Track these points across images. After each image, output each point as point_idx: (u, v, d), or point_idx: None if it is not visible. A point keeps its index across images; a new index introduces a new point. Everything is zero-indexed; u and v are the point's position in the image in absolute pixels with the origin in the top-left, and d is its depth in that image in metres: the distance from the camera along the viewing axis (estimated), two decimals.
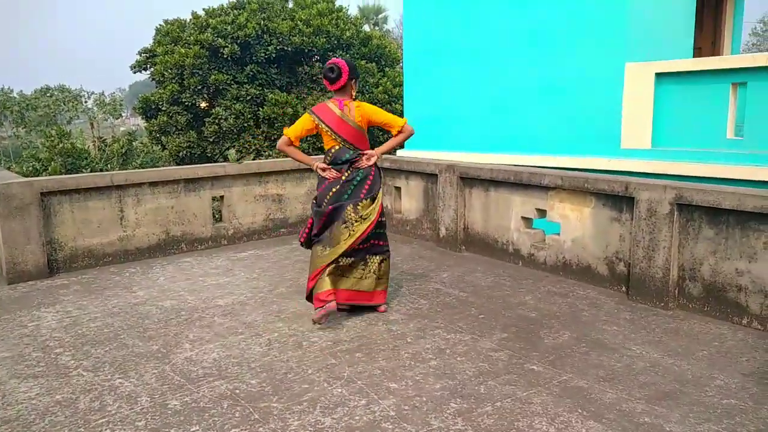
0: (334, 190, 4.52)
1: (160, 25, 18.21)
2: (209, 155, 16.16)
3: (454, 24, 9.26)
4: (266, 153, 15.19)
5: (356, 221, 4.45)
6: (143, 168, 17.10)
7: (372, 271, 4.63)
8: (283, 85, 16.44)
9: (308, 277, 4.58)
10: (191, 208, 6.85)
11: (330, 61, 4.57)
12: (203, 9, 17.43)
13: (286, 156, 4.77)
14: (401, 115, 16.77)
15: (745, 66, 6.52)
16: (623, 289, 5.07)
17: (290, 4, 18.17)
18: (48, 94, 29.36)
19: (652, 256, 4.72)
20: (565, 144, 7.76)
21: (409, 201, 7.29)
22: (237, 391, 3.51)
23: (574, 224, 5.38)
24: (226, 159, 15.28)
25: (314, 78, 16.36)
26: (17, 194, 5.73)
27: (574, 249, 5.42)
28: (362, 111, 4.56)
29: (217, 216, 7.45)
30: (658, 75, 6.94)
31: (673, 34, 7.85)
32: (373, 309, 4.75)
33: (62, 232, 6.08)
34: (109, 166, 16.61)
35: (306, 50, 16.25)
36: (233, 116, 15.40)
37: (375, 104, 16.67)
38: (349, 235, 4.44)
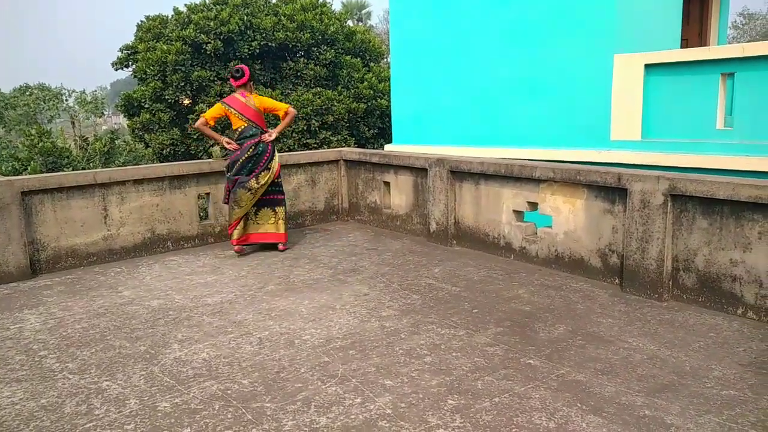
0: (241, 160, 6.15)
1: (141, 21, 17.96)
2: (193, 152, 15.97)
3: (440, 17, 9.20)
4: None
5: (257, 188, 6.19)
6: (126, 164, 16.90)
7: (280, 218, 6.45)
8: (267, 81, 16.28)
9: (229, 226, 6.42)
10: (177, 206, 6.73)
11: (237, 66, 6.27)
12: (185, 5, 17.21)
13: (203, 134, 7.10)
14: (389, 110, 16.69)
15: (734, 56, 6.51)
16: (617, 281, 5.03)
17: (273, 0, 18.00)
18: (27, 93, 28.90)
19: (645, 247, 4.69)
20: (555, 137, 7.72)
21: (398, 196, 7.22)
22: (229, 392, 3.42)
23: (567, 217, 5.33)
24: (210, 156, 15.12)
25: (299, 74, 16.22)
26: None
27: (566, 242, 5.38)
28: (259, 99, 6.34)
29: (203, 214, 7.33)
30: (648, 66, 6.92)
31: (661, 25, 7.83)
32: (275, 247, 6.52)
33: (44, 232, 5.94)
34: (91, 165, 16.36)
35: (290, 45, 16.09)
36: None
37: (361, 99, 16.59)
38: (253, 196, 6.21)
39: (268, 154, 6.24)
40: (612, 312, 4.47)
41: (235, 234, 6.34)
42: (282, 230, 6.47)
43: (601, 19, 7.26)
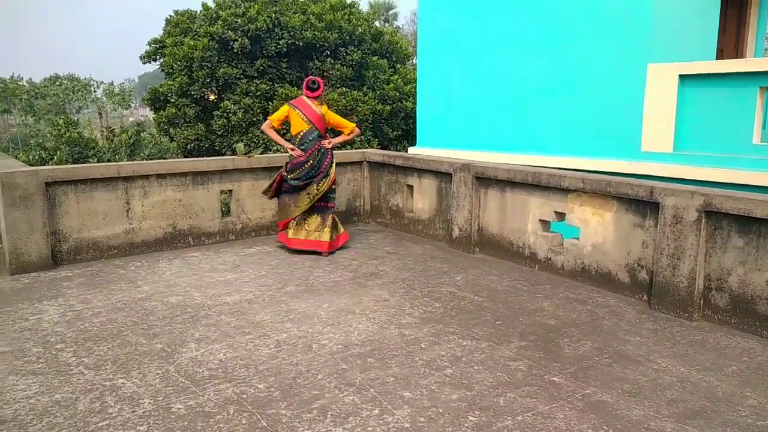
0: (302, 168, 6.18)
1: (170, 15, 18.05)
2: (217, 148, 15.99)
3: (468, 21, 9.07)
4: (274, 147, 15.02)
5: (316, 194, 6.24)
6: (151, 159, 16.98)
7: (327, 225, 6.31)
8: (293, 80, 16.24)
9: (280, 220, 6.49)
10: (199, 202, 6.70)
11: (312, 78, 6.30)
12: (213, 1, 17.24)
13: (270, 138, 7.04)
14: (413, 112, 16.59)
15: None
16: (645, 297, 4.89)
17: None
18: (57, 83, 29.29)
19: (676, 264, 4.54)
20: (583, 145, 7.55)
21: (421, 200, 7.12)
22: (244, 396, 3.35)
23: (595, 229, 5.19)
24: (234, 152, 15.14)
25: (324, 73, 16.18)
26: (21, 183, 5.58)
27: (593, 254, 5.24)
28: (325, 110, 6.33)
29: (225, 210, 7.29)
30: (682, 77, 6.73)
31: (697, 35, 7.63)
32: (321, 255, 6.30)
33: (67, 223, 5.94)
34: (116, 156, 16.49)
35: (317, 45, 16.04)
36: (242, 110, 15.21)
37: (386, 100, 16.50)
38: (309, 200, 6.25)
39: (327, 160, 6.24)
40: (640, 330, 4.33)
41: (291, 233, 6.34)
42: (326, 238, 6.29)
43: (636, 27, 7.09)
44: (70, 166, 6.05)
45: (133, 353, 3.91)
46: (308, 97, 6.26)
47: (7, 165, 6.14)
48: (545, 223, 5.69)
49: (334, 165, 6.33)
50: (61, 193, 5.88)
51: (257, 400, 3.30)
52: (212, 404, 3.26)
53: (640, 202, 4.82)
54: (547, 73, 8.07)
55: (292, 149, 6.23)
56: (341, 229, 6.55)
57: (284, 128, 6.85)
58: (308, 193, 6.23)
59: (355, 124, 6.54)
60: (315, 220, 6.33)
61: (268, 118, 6.21)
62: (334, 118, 6.43)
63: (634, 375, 3.62)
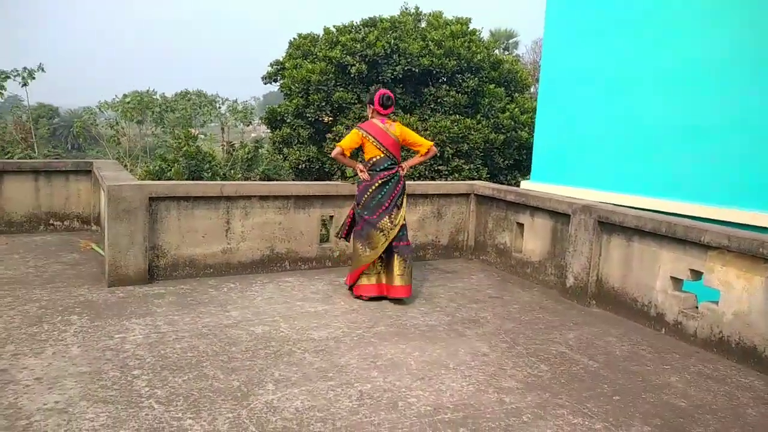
0: (370, 191, 5.50)
1: (293, 38, 18.52)
2: (327, 170, 16.08)
3: (596, 53, 8.39)
4: None
5: (390, 229, 5.45)
6: (267, 173, 17.39)
7: (408, 267, 5.50)
8: (406, 105, 16.07)
9: (353, 271, 5.61)
10: (299, 226, 6.50)
11: (386, 91, 5.61)
12: (334, 26, 17.49)
13: (341, 163, 6.35)
14: (528, 142, 15.89)
15: None
16: None
17: (423, 24, 17.87)
18: (186, 98, 31.08)
19: None
20: (722, 193, 6.63)
21: (532, 241, 6.53)
22: None
23: (739, 294, 4.41)
24: (343, 175, 15.15)
25: (439, 100, 15.88)
26: (127, 197, 5.60)
27: (735, 324, 4.44)
28: (400, 128, 5.66)
29: (324, 236, 7.06)
30: None
31: None
32: (402, 302, 5.52)
33: (166, 239, 5.90)
34: (233, 171, 17.02)
35: (434, 71, 15.80)
36: None
37: (500, 129, 15.93)
38: (386, 239, 5.44)
39: (398, 189, 5.52)
40: None
41: (364, 280, 5.53)
42: (409, 282, 5.51)
43: None
44: (173, 182, 6.05)
45: (207, 389, 3.65)
46: (381, 114, 5.56)
47: (118, 178, 6.22)
48: (677, 282, 4.94)
49: (405, 197, 5.64)
50: (164, 209, 5.85)
51: None
52: None
53: None
54: (681, 110, 7.21)
55: (362, 170, 5.55)
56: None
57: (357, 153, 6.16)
58: (381, 229, 5.41)
59: (432, 143, 5.80)
60: (397, 263, 5.45)
61: (338, 144, 5.50)
62: (410, 136, 5.67)
63: None
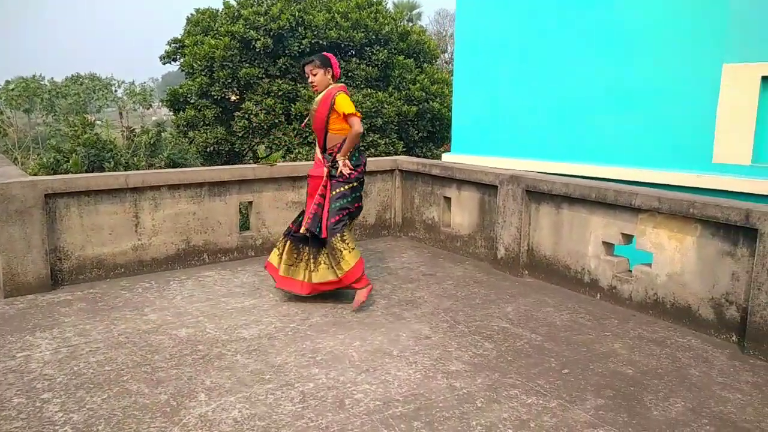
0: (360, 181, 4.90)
1: (191, 14, 17.52)
2: (237, 151, 15.42)
3: (517, 15, 8.26)
4: (296, 150, 14.40)
5: None
6: (172, 158, 16.46)
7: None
8: None
9: (359, 265, 4.68)
10: (215, 215, 6.07)
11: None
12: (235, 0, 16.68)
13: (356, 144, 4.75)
14: (440, 113, 15.85)
15: None
16: (734, 338, 4.13)
17: None
18: (78, 83, 29.07)
19: None
20: (645, 155, 6.73)
21: (460, 214, 6.42)
22: None
23: (672, 255, 4.45)
24: (255, 155, 14.55)
25: (350, 74, 15.52)
26: (18, 196, 4.99)
27: (669, 285, 4.49)
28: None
29: (243, 224, 6.66)
30: (765, 78, 5.93)
31: None
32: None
33: (69, 240, 5.34)
34: (135, 158, 15.99)
35: (342, 45, 15.39)
36: (264, 111, 14.62)
37: (412, 101, 15.80)
38: None
39: None
40: (737, 383, 3.59)
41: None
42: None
43: (708, 24, 6.24)
44: (71, 176, 5.46)
45: (131, 407, 3.27)
46: (335, 82, 4.83)
47: (6, 174, 5.56)
48: (609, 246, 4.95)
49: None
50: (63, 206, 5.28)
51: None
52: None
53: (731, 227, 4.08)
54: (604, 74, 7.22)
55: (346, 164, 4.72)
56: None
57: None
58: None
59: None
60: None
61: (359, 115, 4.67)
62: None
63: None
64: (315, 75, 4.72)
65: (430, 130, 16.75)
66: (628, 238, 4.78)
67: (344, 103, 4.62)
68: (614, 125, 7.17)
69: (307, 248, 4.82)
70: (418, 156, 15.26)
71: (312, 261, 4.78)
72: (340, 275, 4.65)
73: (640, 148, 6.87)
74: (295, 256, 4.87)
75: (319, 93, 4.77)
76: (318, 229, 4.69)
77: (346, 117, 4.62)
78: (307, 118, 4.65)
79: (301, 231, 4.77)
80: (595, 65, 7.35)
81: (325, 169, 4.74)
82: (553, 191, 5.23)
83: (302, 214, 4.91)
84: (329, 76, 4.72)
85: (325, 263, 4.73)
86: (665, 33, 6.70)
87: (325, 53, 4.77)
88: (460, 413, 3.20)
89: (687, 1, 6.52)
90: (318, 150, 4.89)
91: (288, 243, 4.88)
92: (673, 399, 3.38)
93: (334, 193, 4.72)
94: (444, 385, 3.52)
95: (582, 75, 7.50)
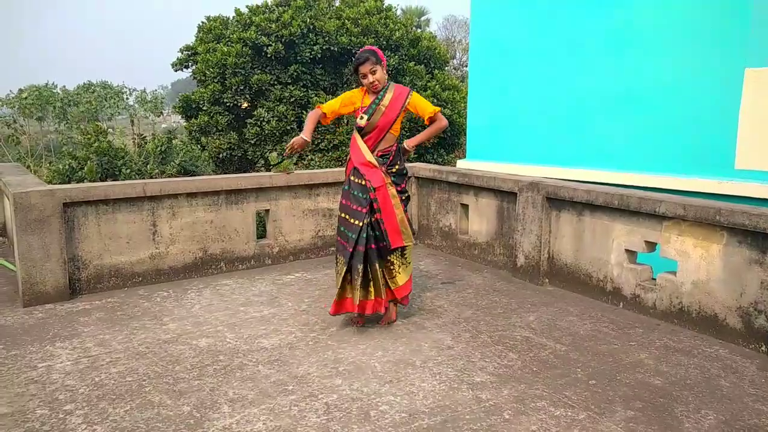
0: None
1: (202, 22, 17.59)
2: (250, 158, 15.43)
3: (529, 24, 8.21)
4: (308, 157, 14.40)
5: None
6: (183, 165, 16.49)
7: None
8: (327, 87, 15.63)
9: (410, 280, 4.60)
10: (233, 223, 6.05)
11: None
12: (246, 6, 16.73)
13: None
14: (451, 118, 15.78)
15: None
16: (763, 348, 4.06)
17: (337, 2, 17.37)
18: (90, 90, 29.21)
19: None
20: (664, 161, 6.63)
21: (478, 221, 6.36)
22: None
23: (697, 263, 4.38)
24: (267, 162, 14.55)
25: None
26: (37, 205, 4.99)
27: (694, 293, 4.42)
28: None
29: (260, 232, 6.64)
30: None
31: None
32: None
33: (86, 248, 5.33)
34: (147, 166, 16.03)
35: (353, 51, 15.41)
36: (276, 118, 14.65)
37: None
38: None
39: None
40: None
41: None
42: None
43: (730, 28, 6.15)
44: (89, 184, 5.45)
45: (155, 419, 3.24)
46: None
47: (24, 183, 5.56)
48: (632, 254, 4.88)
49: None
50: (81, 215, 5.27)
51: None
52: None
53: (759, 234, 4.00)
54: (622, 78, 7.08)
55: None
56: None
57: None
58: None
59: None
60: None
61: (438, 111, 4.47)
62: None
63: None
64: (375, 73, 4.30)
65: (441, 136, 16.69)
66: (651, 246, 4.71)
67: (423, 103, 4.42)
68: (633, 130, 7.07)
69: (367, 265, 4.39)
70: (429, 162, 15.20)
71: (385, 275, 4.48)
72: (393, 287, 4.49)
73: (659, 154, 6.77)
74: (370, 275, 4.44)
75: (379, 91, 4.39)
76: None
77: (431, 116, 4.40)
78: (364, 119, 4.34)
79: (392, 246, 4.39)
80: (613, 70, 7.25)
81: (383, 174, 4.37)
82: (574, 198, 5.17)
83: (353, 229, 4.34)
84: (386, 71, 4.35)
85: (399, 270, 4.50)
86: (686, 36, 6.60)
87: (369, 47, 4.35)
88: (487, 425, 3.15)
89: (708, 6, 6.42)
90: (365, 153, 4.39)
91: (359, 266, 4.33)
92: (705, 411, 3.32)
93: (395, 200, 4.41)
94: (470, 396, 3.47)
95: (599, 79, 7.40)
